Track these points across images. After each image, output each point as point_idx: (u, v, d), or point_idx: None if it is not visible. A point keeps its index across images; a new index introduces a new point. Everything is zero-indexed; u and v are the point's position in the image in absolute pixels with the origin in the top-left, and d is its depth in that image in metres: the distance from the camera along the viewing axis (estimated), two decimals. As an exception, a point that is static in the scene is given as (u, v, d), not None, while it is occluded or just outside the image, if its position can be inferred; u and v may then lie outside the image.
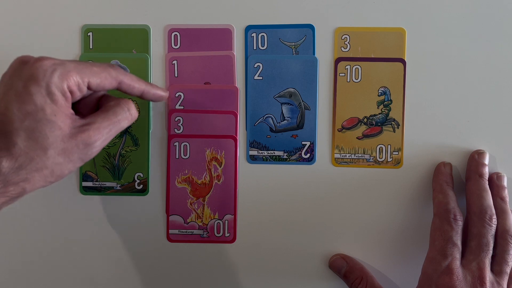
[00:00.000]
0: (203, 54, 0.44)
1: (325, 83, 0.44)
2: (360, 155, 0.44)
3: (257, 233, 0.45)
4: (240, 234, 0.45)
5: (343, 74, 0.44)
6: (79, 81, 0.34)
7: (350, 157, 0.44)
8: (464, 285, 0.37)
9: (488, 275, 0.38)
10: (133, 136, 0.44)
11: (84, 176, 0.44)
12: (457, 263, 0.38)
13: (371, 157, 0.44)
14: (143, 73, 0.44)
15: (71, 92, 0.34)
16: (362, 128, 0.44)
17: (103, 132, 0.35)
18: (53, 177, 0.34)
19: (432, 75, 0.44)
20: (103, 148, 0.43)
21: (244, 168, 0.44)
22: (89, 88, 0.35)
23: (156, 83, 0.44)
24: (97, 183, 0.44)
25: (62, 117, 0.33)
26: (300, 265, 0.45)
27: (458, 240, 0.39)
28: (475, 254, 0.39)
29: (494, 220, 0.40)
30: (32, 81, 0.32)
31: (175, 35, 0.44)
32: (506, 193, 0.42)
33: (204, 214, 0.44)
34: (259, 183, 0.44)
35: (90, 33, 0.44)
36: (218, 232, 0.44)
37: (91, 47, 0.44)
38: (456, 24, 0.43)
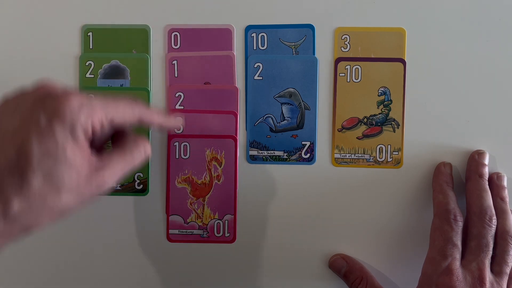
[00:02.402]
0: (203, 54, 0.44)
1: (325, 83, 0.44)
2: (360, 155, 0.44)
3: (257, 233, 0.45)
4: (240, 234, 0.45)
5: (343, 74, 0.44)
6: (103, 120, 0.32)
7: (350, 157, 0.44)
8: (464, 286, 0.37)
9: (488, 276, 0.38)
10: (133, 136, 0.44)
11: (84, 176, 0.44)
12: (457, 263, 0.38)
13: (371, 157, 0.44)
14: (143, 73, 0.44)
15: (93, 131, 0.32)
16: (362, 128, 0.44)
17: (117, 173, 0.33)
18: (60, 216, 0.32)
19: (432, 75, 0.44)
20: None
21: (244, 168, 0.44)
22: (110, 124, 0.34)
23: (156, 83, 0.44)
24: (97, 183, 0.44)
25: (81, 158, 0.31)
26: (300, 265, 0.45)
27: (458, 240, 0.39)
28: (475, 254, 0.39)
29: (494, 221, 0.40)
30: (57, 117, 0.30)
31: (175, 35, 0.44)
32: (506, 193, 0.42)
33: (204, 214, 0.44)
34: (259, 183, 0.44)
35: (90, 33, 0.44)
36: (218, 232, 0.44)
37: (91, 47, 0.44)
38: (456, 24, 0.43)
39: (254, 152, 0.44)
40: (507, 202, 0.41)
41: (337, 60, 0.44)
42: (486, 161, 0.42)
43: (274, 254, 0.45)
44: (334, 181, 0.44)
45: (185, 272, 0.45)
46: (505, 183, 0.42)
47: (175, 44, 0.44)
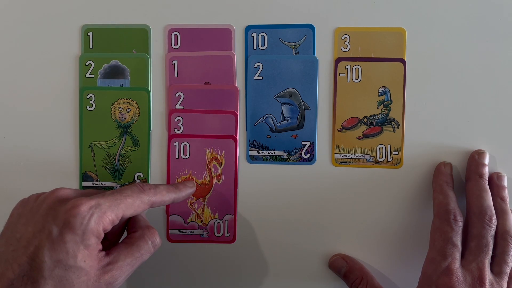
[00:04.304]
0: (203, 54, 0.44)
1: (325, 83, 0.44)
2: (360, 155, 0.44)
3: (257, 233, 0.45)
4: (240, 234, 0.45)
5: (343, 74, 0.44)
6: (114, 219, 0.34)
7: (350, 157, 0.44)
8: (464, 286, 0.37)
9: (488, 276, 0.38)
10: (133, 136, 0.44)
11: (84, 176, 0.44)
12: (456, 263, 0.38)
13: (371, 157, 0.44)
14: (143, 73, 0.44)
15: (104, 230, 0.33)
16: (362, 128, 0.44)
17: (126, 269, 0.34)
18: None
19: (432, 75, 0.44)
20: (103, 149, 0.44)
21: (244, 168, 0.44)
22: (121, 220, 0.35)
23: (156, 83, 0.44)
24: (97, 183, 0.44)
25: (91, 261, 0.32)
26: (300, 265, 0.45)
27: (458, 240, 0.39)
28: (474, 254, 0.39)
29: (494, 221, 0.40)
30: (68, 229, 0.31)
31: (175, 35, 0.44)
32: (506, 193, 0.42)
33: (204, 214, 0.44)
34: (259, 183, 0.44)
35: (90, 33, 0.44)
36: (218, 232, 0.44)
37: (91, 47, 0.44)
38: (456, 24, 0.43)
39: (254, 152, 0.44)
40: (507, 202, 0.41)
41: (337, 60, 0.44)
42: (486, 161, 0.42)
43: (274, 254, 0.45)
44: (334, 181, 0.44)
45: (185, 272, 0.45)
46: (505, 183, 0.42)
47: (175, 44, 0.44)
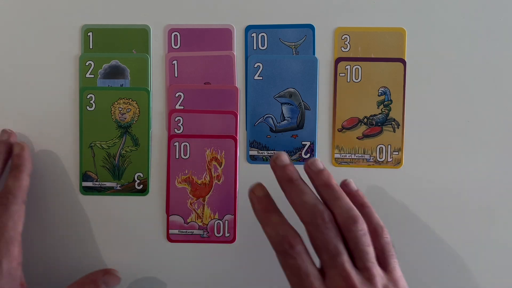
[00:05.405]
0: (203, 54, 0.44)
1: (325, 83, 0.44)
2: (360, 155, 0.44)
3: (257, 233, 0.45)
4: (240, 234, 0.45)
5: (343, 74, 0.44)
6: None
7: (350, 157, 0.44)
8: None
9: (356, 279, 0.32)
10: (133, 136, 0.44)
11: (84, 176, 0.44)
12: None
13: (371, 157, 0.44)
14: (143, 73, 0.44)
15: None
16: (362, 128, 0.44)
17: None
18: None
19: (432, 75, 0.44)
20: (103, 149, 0.44)
21: (244, 168, 0.44)
22: None
23: (156, 83, 0.44)
24: (97, 183, 0.44)
25: None
26: (300, 265, 0.45)
27: (308, 266, 0.33)
28: (331, 266, 0.33)
29: (328, 217, 0.34)
30: None
31: (175, 35, 0.44)
32: (326, 177, 0.36)
33: (204, 214, 0.44)
34: (259, 183, 0.44)
35: (90, 33, 0.44)
36: (218, 232, 0.44)
37: (91, 47, 0.44)
38: (457, 24, 0.43)
39: (254, 152, 0.44)
40: (332, 185, 0.36)
41: (337, 60, 0.44)
42: (287, 161, 0.37)
43: (274, 254, 0.45)
44: (334, 181, 0.44)
45: (185, 272, 0.45)
46: (319, 166, 0.37)
47: (175, 44, 0.44)
